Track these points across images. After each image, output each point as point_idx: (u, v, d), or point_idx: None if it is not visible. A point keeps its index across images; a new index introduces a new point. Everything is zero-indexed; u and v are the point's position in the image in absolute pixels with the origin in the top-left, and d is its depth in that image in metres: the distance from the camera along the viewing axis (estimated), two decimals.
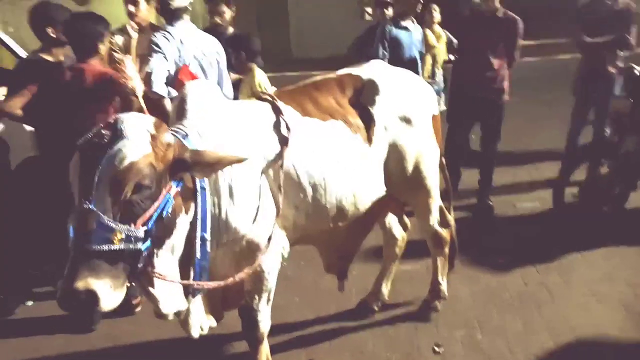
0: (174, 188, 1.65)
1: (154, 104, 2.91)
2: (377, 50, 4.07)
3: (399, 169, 2.46)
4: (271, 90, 3.33)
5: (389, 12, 4.82)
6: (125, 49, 3.44)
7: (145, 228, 1.53)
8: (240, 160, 1.73)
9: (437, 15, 4.84)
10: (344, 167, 2.24)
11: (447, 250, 2.86)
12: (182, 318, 1.95)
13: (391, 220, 2.93)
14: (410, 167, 2.49)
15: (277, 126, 2.09)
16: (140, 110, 1.92)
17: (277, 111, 2.13)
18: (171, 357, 2.75)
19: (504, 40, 3.89)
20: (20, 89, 2.80)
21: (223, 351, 2.73)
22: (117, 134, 1.53)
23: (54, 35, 2.93)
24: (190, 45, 3.18)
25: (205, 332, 2.06)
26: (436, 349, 2.64)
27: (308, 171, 2.14)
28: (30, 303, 3.23)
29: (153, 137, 1.58)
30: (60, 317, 3.04)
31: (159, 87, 3.02)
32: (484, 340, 2.69)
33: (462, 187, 4.35)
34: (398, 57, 3.98)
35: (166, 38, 3.12)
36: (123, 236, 1.47)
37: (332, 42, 13.86)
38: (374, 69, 2.54)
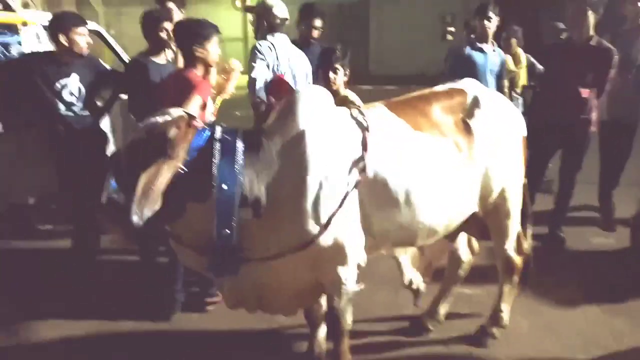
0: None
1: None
2: (448, 68, 4.12)
3: (487, 189, 2.46)
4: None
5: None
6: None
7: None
8: None
9: (516, 40, 4.73)
10: (446, 190, 2.26)
11: (516, 278, 2.80)
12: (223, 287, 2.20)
13: (459, 241, 2.89)
14: (498, 188, 2.48)
15: (359, 142, 2.13)
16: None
17: (363, 129, 2.16)
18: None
19: (595, 70, 3.77)
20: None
21: (295, 347, 2.84)
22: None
23: (164, 37, 3.17)
24: (286, 55, 3.48)
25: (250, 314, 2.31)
26: None
27: (408, 189, 2.17)
28: None
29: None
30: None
31: (261, 92, 3.36)
32: None
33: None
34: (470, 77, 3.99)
35: (269, 47, 3.42)
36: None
37: (411, 61, 13.90)
38: (474, 86, 2.55)
